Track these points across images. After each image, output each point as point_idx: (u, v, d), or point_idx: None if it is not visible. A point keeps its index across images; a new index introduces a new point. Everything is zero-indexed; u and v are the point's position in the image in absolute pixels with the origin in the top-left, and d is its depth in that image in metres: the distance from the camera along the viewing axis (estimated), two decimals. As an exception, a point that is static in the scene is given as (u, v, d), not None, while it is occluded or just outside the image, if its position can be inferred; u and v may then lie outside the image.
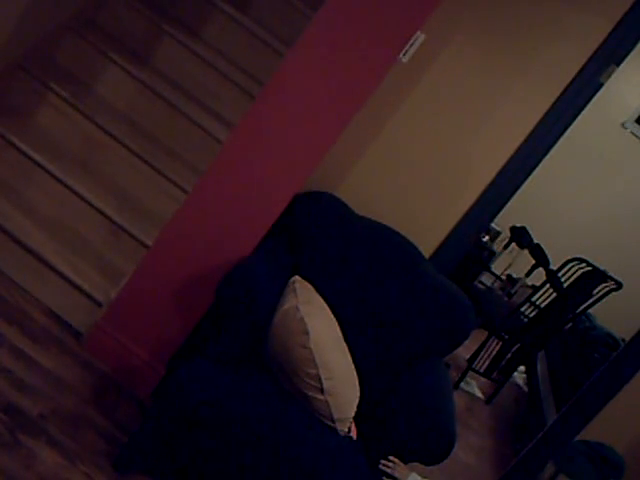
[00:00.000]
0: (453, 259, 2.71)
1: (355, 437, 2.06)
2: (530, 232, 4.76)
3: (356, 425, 2.09)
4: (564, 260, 4.55)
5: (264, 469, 1.89)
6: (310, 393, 1.97)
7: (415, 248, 2.49)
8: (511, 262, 5.84)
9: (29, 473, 1.83)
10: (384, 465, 1.94)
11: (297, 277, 2.18)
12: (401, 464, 1.96)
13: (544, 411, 3.74)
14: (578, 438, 2.88)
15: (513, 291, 5.61)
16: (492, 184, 2.59)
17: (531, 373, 4.66)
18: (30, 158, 2.63)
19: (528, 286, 5.39)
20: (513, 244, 5.11)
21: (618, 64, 2.50)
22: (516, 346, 4.61)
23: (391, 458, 1.96)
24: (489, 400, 4.37)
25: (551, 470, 2.90)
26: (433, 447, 1.94)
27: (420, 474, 1.98)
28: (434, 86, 2.54)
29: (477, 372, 4.41)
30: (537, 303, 4.92)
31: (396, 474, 1.93)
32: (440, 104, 2.56)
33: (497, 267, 5.85)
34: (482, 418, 4.12)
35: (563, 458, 2.77)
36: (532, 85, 2.51)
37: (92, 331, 2.39)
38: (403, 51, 2.33)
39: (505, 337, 4.43)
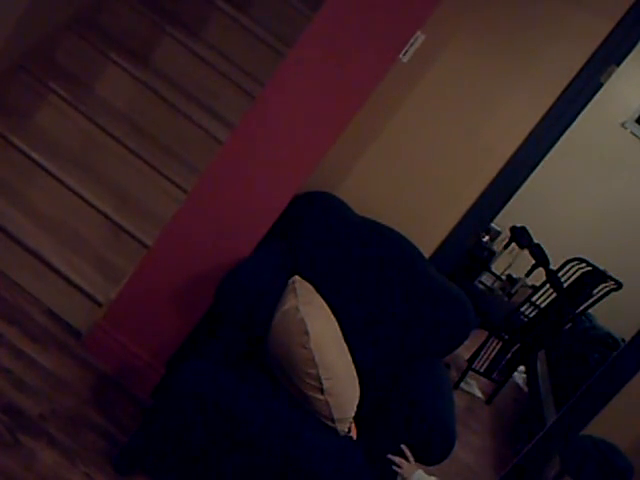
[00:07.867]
0: (453, 259, 2.71)
1: (355, 437, 2.06)
2: (530, 232, 4.76)
3: (356, 425, 2.09)
4: (564, 260, 4.56)
5: (264, 469, 1.89)
6: (310, 393, 1.97)
7: (415, 248, 2.49)
8: (511, 262, 5.84)
9: (29, 473, 1.83)
10: (393, 456, 1.92)
11: (297, 277, 2.18)
12: (411, 459, 1.93)
13: (544, 411, 3.74)
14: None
15: (513, 291, 5.61)
16: (492, 184, 2.59)
17: (531, 373, 4.66)
18: (30, 158, 2.62)
19: (528, 286, 5.39)
20: (513, 244, 5.11)
21: (618, 64, 2.50)
22: (516, 346, 4.61)
23: (403, 447, 1.93)
24: (489, 400, 4.36)
25: (556, 468, 2.89)
26: (433, 447, 1.94)
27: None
28: (433, 86, 2.54)
29: (477, 372, 4.41)
30: (537, 303, 4.92)
31: (403, 467, 1.90)
32: (440, 104, 2.56)
33: (497, 267, 5.86)
34: (482, 418, 4.11)
35: (571, 460, 2.75)
36: (532, 85, 2.50)
37: (92, 331, 2.40)
38: (403, 51, 2.33)
39: (505, 337, 4.43)
